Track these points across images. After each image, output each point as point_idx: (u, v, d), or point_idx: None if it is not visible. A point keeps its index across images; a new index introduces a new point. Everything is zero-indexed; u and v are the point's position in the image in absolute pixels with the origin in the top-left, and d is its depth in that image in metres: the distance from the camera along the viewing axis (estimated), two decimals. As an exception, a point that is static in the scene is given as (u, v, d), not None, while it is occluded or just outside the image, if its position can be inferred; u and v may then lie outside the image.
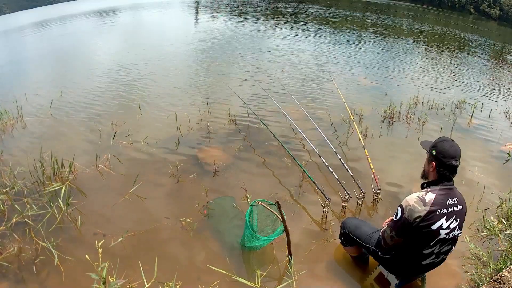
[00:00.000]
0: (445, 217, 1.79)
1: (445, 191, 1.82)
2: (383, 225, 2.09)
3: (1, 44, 12.73)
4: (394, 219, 1.88)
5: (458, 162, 1.81)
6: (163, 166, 3.60)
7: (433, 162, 1.85)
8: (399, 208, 1.86)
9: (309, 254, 2.53)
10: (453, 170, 1.83)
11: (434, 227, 1.78)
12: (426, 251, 1.87)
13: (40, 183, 3.20)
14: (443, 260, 1.97)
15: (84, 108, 5.21)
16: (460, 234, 1.91)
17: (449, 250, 1.93)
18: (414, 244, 1.86)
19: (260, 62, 8.06)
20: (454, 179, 1.87)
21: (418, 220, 1.78)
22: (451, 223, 1.82)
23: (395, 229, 1.87)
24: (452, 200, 1.82)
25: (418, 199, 1.80)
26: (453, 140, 1.86)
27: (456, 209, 1.83)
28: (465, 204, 1.89)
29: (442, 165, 1.82)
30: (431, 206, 1.77)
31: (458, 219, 1.84)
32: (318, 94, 5.99)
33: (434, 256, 1.90)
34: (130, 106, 5.27)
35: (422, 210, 1.77)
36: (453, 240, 1.90)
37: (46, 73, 7.63)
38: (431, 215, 1.77)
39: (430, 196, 1.80)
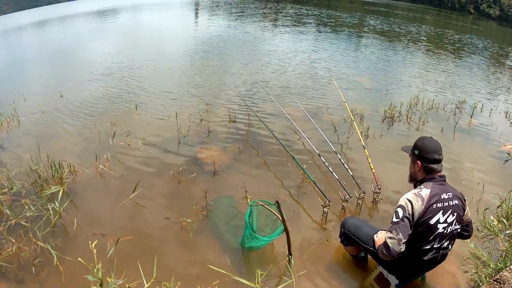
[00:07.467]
0: (441, 211, 1.82)
1: (438, 186, 1.86)
2: (377, 241, 2.01)
3: (0, 44, 12.72)
4: (395, 219, 1.82)
5: (440, 155, 1.89)
6: (163, 166, 3.60)
7: (418, 161, 1.92)
8: (398, 209, 1.84)
9: (309, 254, 2.52)
10: (438, 162, 1.89)
11: (432, 221, 1.81)
12: (425, 247, 1.88)
13: (39, 184, 3.19)
14: (443, 256, 1.98)
15: (84, 109, 5.20)
16: (459, 230, 1.93)
17: (449, 246, 1.94)
18: (413, 241, 1.85)
19: (260, 62, 8.06)
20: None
21: (418, 216, 1.80)
22: (447, 217, 1.84)
23: (401, 229, 1.79)
24: (446, 195, 1.85)
25: (415, 196, 1.83)
26: (431, 137, 1.96)
27: (451, 204, 1.85)
28: (460, 200, 1.90)
29: (426, 161, 1.89)
30: (428, 201, 1.80)
31: (455, 214, 1.86)
32: (318, 94, 5.98)
33: (434, 251, 1.90)
34: (129, 106, 5.26)
35: (420, 206, 1.80)
36: (452, 235, 1.91)
37: (45, 74, 7.63)
38: (429, 210, 1.80)
39: (425, 191, 1.84)
